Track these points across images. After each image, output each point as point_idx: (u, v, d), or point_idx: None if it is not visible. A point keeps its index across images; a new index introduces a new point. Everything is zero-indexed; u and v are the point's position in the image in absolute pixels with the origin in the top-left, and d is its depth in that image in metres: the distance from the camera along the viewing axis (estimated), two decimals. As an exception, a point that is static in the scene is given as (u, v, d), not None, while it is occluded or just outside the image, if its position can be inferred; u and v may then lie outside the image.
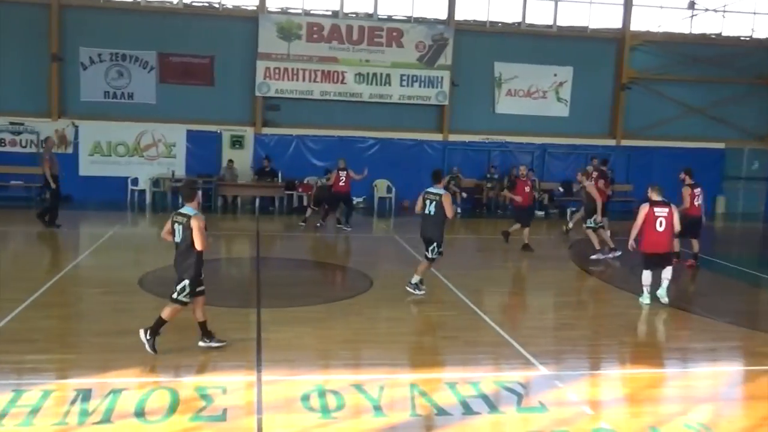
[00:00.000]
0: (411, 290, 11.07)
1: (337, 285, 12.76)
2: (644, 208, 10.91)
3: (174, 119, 21.36)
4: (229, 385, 7.12)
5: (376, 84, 22.12)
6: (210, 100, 21.66)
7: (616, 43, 23.39)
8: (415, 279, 11.14)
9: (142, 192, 21.21)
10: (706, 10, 23.50)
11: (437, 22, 22.43)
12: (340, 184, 17.38)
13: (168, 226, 8.03)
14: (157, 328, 7.87)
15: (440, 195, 10.89)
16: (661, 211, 10.80)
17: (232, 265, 14.20)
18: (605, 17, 23.38)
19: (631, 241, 11.16)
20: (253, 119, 21.96)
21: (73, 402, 6.52)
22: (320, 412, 6.55)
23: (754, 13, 23.97)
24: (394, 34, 22.06)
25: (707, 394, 7.67)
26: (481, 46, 22.71)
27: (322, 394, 6.92)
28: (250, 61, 21.59)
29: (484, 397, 7.06)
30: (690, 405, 7.28)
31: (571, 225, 17.15)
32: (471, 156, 22.94)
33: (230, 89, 21.78)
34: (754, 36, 24.05)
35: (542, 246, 15.64)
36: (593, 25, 23.27)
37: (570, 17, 23.16)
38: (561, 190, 22.77)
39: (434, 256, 11.07)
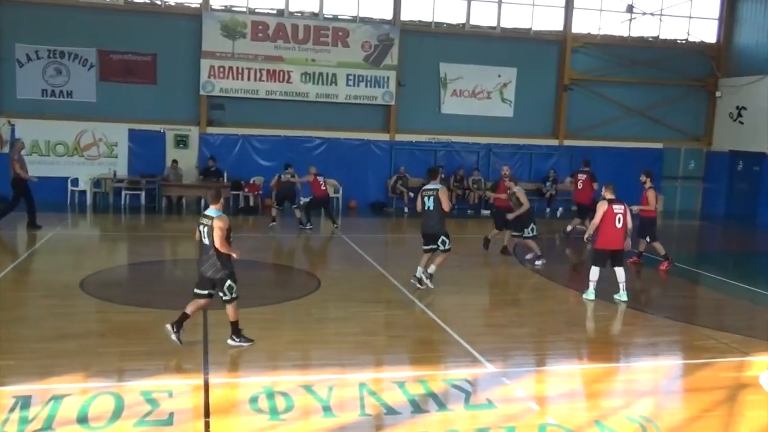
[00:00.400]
0: (425, 280, 11.48)
1: (285, 286, 12.66)
2: (603, 206, 11.18)
3: (115, 118, 20.86)
4: (176, 388, 7.01)
5: (322, 83, 22.03)
6: (153, 99, 21.24)
7: (558, 45, 23.82)
8: (432, 269, 11.56)
9: (83, 193, 20.64)
10: (644, 13, 24.15)
11: (383, 22, 22.47)
12: (321, 188, 17.67)
13: (197, 229, 8.38)
14: (237, 329, 8.38)
15: (437, 189, 11.34)
16: (618, 209, 11.22)
17: (177, 267, 13.98)
18: (547, 19, 23.77)
19: (587, 235, 11.55)
20: (198, 118, 21.62)
21: (12, 409, 6.33)
22: (269, 414, 6.51)
23: (690, 17, 24.71)
24: (340, 33, 22.01)
25: (649, 388, 7.90)
26: (426, 46, 22.84)
27: (270, 395, 6.88)
28: (194, 60, 21.24)
29: (433, 396, 7.12)
30: (632, 398, 7.50)
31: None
32: (418, 156, 23.03)
33: (174, 88, 21.39)
34: (690, 39, 24.80)
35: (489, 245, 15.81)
36: (536, 27, 23.64)
37: (513, 19, 23.49)
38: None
39: (449, 247, 11.47)
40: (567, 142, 24.03)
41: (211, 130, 21.66)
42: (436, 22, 22.97)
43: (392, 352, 8.72)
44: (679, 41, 24.80)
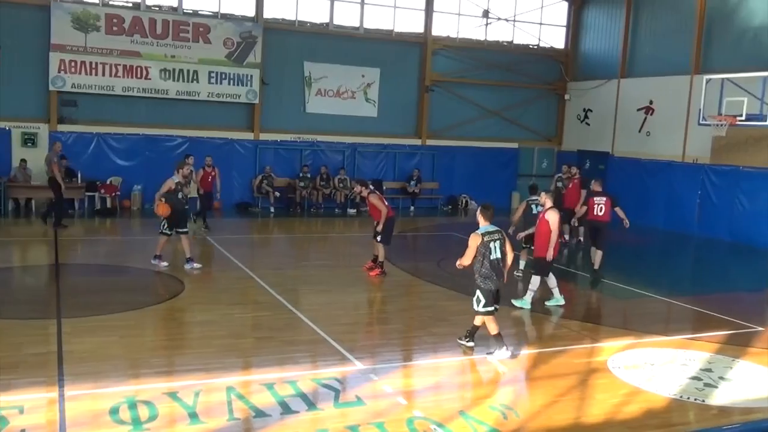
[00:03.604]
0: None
1: (147, 290, 12.16)
2: (557, 214, 10.87)
3: (-47, 114, 19.31)
4: (27, 403, 6.60)
5: (183, 80, 21.39)
6: (-4, 94, 19.81)
7: (419, 47, 24.40)
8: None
9: None
10: (499, 19, 25.23)
11: (245, 19, 22.11)
12: (209, 180, 17.84)
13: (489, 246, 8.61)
14: (473, 332, 8.97)
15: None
16: None
17: (26, 273, 13.11)
18: (409, 22, 24.31)
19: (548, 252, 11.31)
20: (48, 115, 20.36)
21: None
22: (131, 425, 6.26)
23: (540, 24, 26.09)
24: (201, 29, 21.45)
25: (509, 377, 8.26)
26: (290, 45, 22.72)
27: (132, 405, 6.62)
28: (42, 53, 19.97)
29: (303, 396, 7.11)
30: (494, 388, 7.83)
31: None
32: (283, 155, 22.87)
33: (20, 82, 20.00)
34: (541, 45, 26.17)
35: (356, 244, 15.98)
36: (398, 28, 24.10)
37: (376, 20, 23.84)
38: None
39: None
40: (429, 142, 24.70)
41: (62, 127, 20.47)
42: (299, 21, 22.89)
43: (260, 353, 8.62)
44: (531, 46, 26.10)
